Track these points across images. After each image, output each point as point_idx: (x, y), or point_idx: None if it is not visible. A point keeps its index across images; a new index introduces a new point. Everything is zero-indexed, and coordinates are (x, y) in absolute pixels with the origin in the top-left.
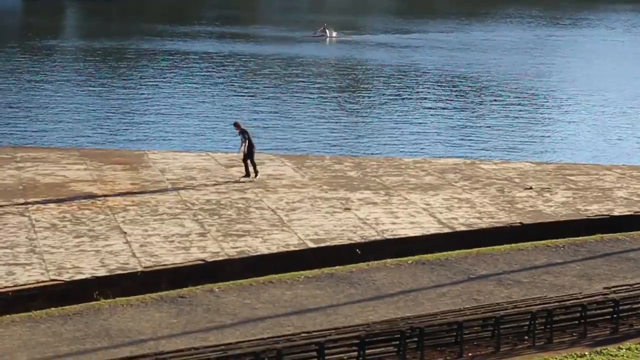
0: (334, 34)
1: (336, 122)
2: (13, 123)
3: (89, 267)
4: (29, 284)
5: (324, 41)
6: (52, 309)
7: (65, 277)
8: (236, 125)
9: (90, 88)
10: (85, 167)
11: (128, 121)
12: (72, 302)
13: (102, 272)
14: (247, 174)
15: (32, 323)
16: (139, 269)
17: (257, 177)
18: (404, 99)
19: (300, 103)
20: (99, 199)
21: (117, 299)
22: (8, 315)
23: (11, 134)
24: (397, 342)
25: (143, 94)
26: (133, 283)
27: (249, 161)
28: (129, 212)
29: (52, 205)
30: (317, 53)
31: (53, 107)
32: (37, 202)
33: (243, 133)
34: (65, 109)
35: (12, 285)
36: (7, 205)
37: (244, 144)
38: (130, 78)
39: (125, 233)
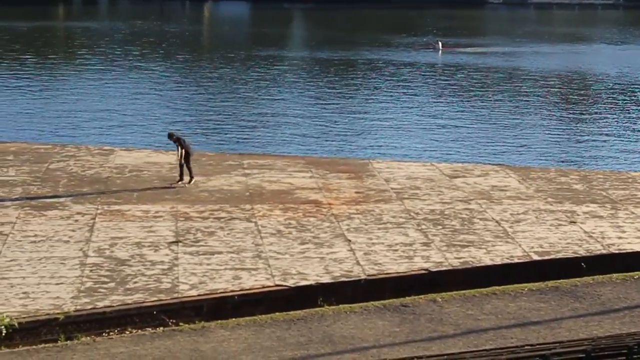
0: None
1: (562, 135)
2: (240, 131)
3: (314, 274)
4: (255, 288)
5: (435, 52)
6: (277, 313)
7: (290, 282)
8: (170, 135)
9: (314, 97)
10: (310, 175)
11: (353, 130)
12: (297, 308)
13: (326, 279)
14: (181, 179)
15: (256, 327)
16: (363, 276)
17: (192, 182)
18: (631, 111)
19: (525, 115)
20: (324, 206)
21: (340, 305)
22: (234, 319)
23: (238, 141)
24: (624, 358)
25: (367, 103)
26: (357, 290)
27: (185, 167)
28: (353, 220)
29: (277, 212)
30: (530, 65)
31: (279, 115)
32: (263, 209)
33: (177, 141)
34: (291, 117)
35: (238, 289)
36: (234, 211)
37: (178, 151)
38: (353, 88)
39: (350, 241)
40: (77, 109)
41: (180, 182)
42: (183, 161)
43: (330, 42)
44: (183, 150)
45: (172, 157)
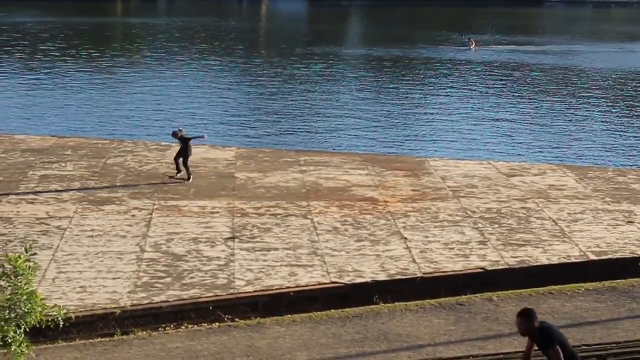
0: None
1: (621, 134)
2: (297, 127)
3: (370, 271)
4: (311, 285)
5: (469, 51)
6: (333, 311)
7: (346, 280)
8: (174, 134)
9: (371, 95)
10: (367, 173)
11: (409, 128)
12: (352, 305)
13: (382, 277)
14: (179, 172)
15: (312, 324)
16: (419, 275)
17: (190, 179)
18: None
19: (582, 114)
20: (381, 204)
21: (396, 303)
22: (289, 316)
23: (295, 138)
24: None
25: (424, 101)
26: (412, 289)
27: (182, 163)
28: (409, 218)
29: (334, 209)
30: (588, 64)
31: (335, 112)
32: (319, 206)
33: (184, 139)
34: (348, 114)
35: (294, 286)
36: (291, 208)
37: (185, 148)
38: (410, 86)
39: (406, 239)
40: (134, 105)
41: (177, 175)
42: (183, 159)
43: (388, 39)
44: (183, 147)
45: (229, 154)
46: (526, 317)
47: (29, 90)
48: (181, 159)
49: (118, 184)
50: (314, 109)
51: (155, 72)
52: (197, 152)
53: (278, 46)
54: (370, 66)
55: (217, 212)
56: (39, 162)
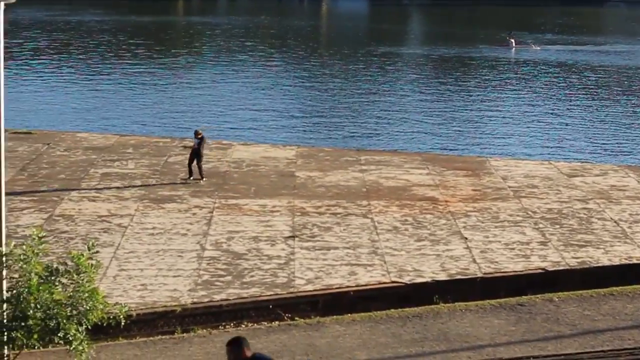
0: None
1: None
2: (357, 126)
3: (429, 271)
4: (371, 284)
5: (509, 49)
6: (392, 310)
7: (406, 279)
8: (196, 133)
9: (431, 94)
10: (427, 172)
11: (470, 128)
12: (412, 305)
13: (442, 277)
14: (190, 175)
15: (372, 323)
16: (479, 274)
17: (203, 180)
18: None
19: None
20: (441, 203)
21: (456, 303)
22: (349, 315)
23: (356, 137)
24: None
25: (485, 101)
26: (472, 288)
27: (195, 164)
28: (470, 218)
29: (394, 208)
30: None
31: (396, 111)
32: (379, 205)
33: (202, 139)
34: (409, 114)
35: (354, 285)
36: (351, 207)
37: (200, 147)
38: (471, 85)
39: (466, 239)
40: (196, 104)
41: (190, 178)
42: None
43: (448, 39)
44: (197, 148)
45: (289, 152)
46: (236, 345)
47: (91, 89)
48: (195, 161)
49: (179, 182)
50: (375, 108)
51: (216, 70)
52: (257, 151)
53: (339, 45)
54: (431, 66)
55: (278, 211)
56: (101, 160)
